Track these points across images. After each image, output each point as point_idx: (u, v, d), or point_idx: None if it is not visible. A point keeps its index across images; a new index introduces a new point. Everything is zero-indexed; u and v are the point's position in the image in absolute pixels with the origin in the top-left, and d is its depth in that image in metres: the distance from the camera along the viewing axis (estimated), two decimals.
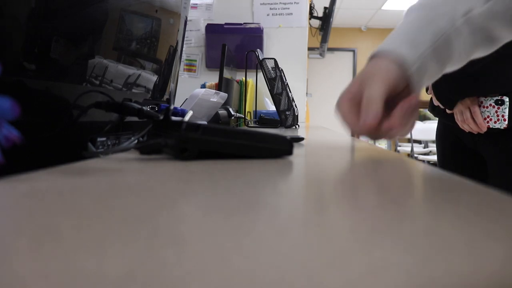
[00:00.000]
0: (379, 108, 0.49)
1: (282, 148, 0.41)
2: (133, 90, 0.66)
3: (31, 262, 0.12)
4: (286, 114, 1.38)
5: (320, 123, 2.35)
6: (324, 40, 3.42)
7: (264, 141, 0.40)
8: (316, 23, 3.30)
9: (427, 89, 1.16)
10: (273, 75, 1.37)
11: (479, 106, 1.00)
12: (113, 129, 0.56)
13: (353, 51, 6.76)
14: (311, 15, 3.05)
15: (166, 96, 0.82)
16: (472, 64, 0.97)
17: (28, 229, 0.16)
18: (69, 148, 0.49)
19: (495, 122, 0.98)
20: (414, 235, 0.16)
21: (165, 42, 0.76)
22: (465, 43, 0.57)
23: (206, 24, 2.24)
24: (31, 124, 0.42)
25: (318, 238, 0.15)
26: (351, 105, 0.53)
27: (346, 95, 0.54)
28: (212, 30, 2.21)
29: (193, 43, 2.32)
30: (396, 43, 0.55)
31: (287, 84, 1.44)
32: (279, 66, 1.40)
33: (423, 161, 4.40)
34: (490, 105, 0.98)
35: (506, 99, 0.96)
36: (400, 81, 0.53)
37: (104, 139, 0.55)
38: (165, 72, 0.79)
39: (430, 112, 1.22)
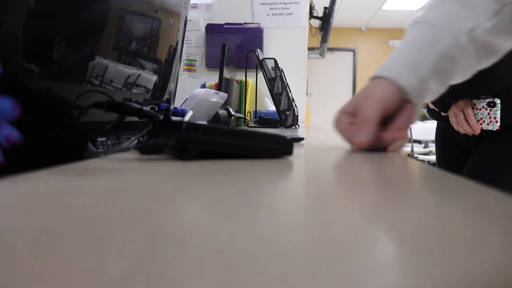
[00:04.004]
0: (372, 129, 0.51)
1: (282, 148, 0.41)
2: (133, 90, 0.66)
3: (31, 262, 0.12)
4: (286, 114, 1.38)
5: (320, 123, 2.35)
6: (324, 40, 3.42)
7: (264, 141, 0.40)
8: (316, 23, 3.30)
9: None
10: (273, 75, 1.37)
11: (473, 108, 1.01)
12: (113, 129, 0.56)
13: (353, 51, 6.76)
14: (311, 15, 3.05)
15: (166, 96, 0.82)
16: None
17: (28, 229, 0.16)
18: (69, 148, 0.49)
19: (488, 124, 0.99)
20: (414, 235, 0.16)
21: (165, 42, 0.76)
22: (469, 59, 0.57)
23: (206, 24, 2.24)
24: (31, 124, 0.42)
25: (318, 238, 0.15)
26: (348, 123, 0.55)
27: (342, 113, 0.56)
28: (212, 30, 2.21)
29: (193, 43, 2.32)
30: (397, 65, 0.55)
31: (287, 84, 1.44)
32: (279, 66, 1.40)
33: (423, 161, 4.40)
34: (483, 107, 0.99)
35: (498, 101, 0.97)
36: (397, 102, 0.54)
37: (104, 139, 0.55)
38: (165, 72, 0.79)
39: (427, 114, 1.22)
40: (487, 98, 0.98)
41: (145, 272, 0.11)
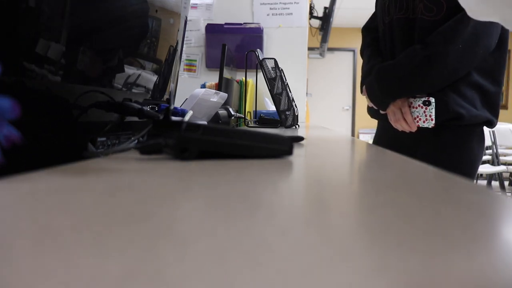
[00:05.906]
0: None
1: (282, 148, 0.41)
2: (133, 90, 0.66)
3: (31, 262, 0.12)
4: (286, 114, 1.38)
5: (320, 123, 2.35)
6: (324, 40, 3.42)
7: (264, 141, 0.40)
8: (316, 23, 3.30)
9: (361, 91, 1.20)
10: (273, 75, 1.37)
11: (409, 106, 1.07)
12: (113, 129, 0.56)
13: (353, 51, 6.76)
14: (311, 15, 3.05)
15: (166, 96, 0.82)
16: (401, 66, 1.02)
17: (28, 229, 0.16)
18: (69, 148, 0.49)
19: (424, 122, 1.05)
20: (414, 235, 0.16)
21: (165, 42, 0.76)
22: None
23: (206, 24, 2.24)
24: (31, 124, 0.42)
25: (318, 238, 0.15)
26: None
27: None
28: (212, 30, 2.21)
29: (193, 43, 2.32)
30: None
31: (287, 84, 1.44)
32: (279, 66, 1.40)
33: None
34: (419, 105, 1.05)
35: (433, 100, 1.03)
36: None
37: (104, 139, 0.55)
38: (165, 72, 0.79)
39: (367, 113, 1.25)
40: (422, 97, 1.04)
41: (145, 272, 0.12)
